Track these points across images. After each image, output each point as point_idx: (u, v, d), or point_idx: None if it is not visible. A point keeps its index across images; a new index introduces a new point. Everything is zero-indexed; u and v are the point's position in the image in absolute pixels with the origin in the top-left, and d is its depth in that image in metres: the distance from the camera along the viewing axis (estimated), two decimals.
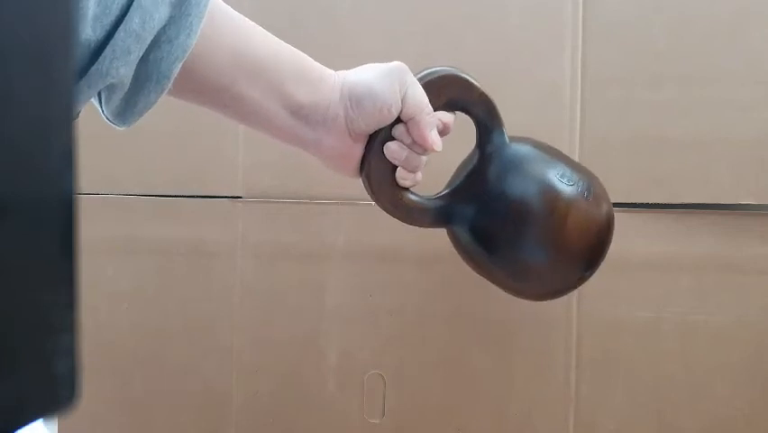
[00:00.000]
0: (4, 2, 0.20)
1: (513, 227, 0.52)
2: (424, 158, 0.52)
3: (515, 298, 0.68)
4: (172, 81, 0.42)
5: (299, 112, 0.48)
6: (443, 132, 0.52)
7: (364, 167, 0.52)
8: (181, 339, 0.75)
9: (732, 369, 0.65)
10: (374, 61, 0.71)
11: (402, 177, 0.52)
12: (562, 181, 0.52)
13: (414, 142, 0.50)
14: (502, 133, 0.54)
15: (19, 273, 0.22)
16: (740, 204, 0.64)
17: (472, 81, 0.53)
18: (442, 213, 0.54)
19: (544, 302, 0.67)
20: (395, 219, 0.55)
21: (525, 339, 0.68)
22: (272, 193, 0.72)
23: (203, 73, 0.44)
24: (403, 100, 0.49)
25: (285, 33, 0.74)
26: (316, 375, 0.72)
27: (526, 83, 0.68)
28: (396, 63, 0.50)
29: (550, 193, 0.52)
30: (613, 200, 0.67)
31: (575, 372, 0.67)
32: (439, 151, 0.50)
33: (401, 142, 0.51)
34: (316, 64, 0.50)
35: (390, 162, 0.52)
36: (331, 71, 0.50)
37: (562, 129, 0.67)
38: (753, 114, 0.64)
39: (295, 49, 0.49)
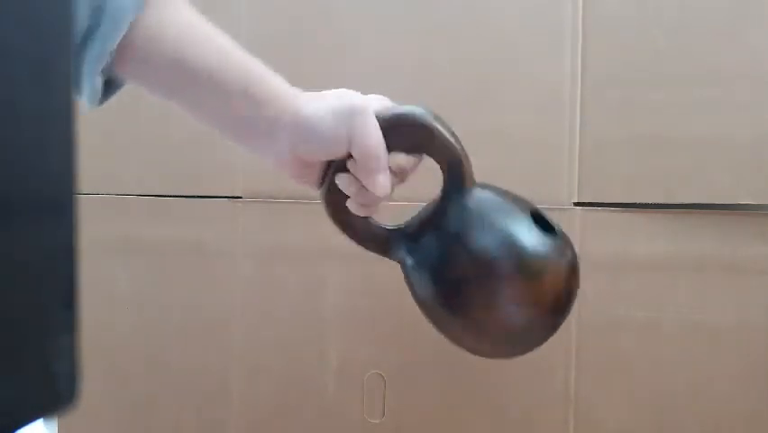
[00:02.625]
0: (4, 5, 0.20)
1: (465, 277, 0.50)
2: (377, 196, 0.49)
3: None
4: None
5: (245, 123, 0.48)
6: (399, 174, 0.50)
7: (322, 187, 0.52)
8: (181, 339, 0.75)
9: (732, 369, 0.65)
10: (374, 62, 0.71)
11: (354, 208, 0.51)
12: (524, 238, 0.49)
13: (363, 184, 0.49)
14: (466, 182, 0.51)
15: (19, 274, 0.22)
16: (739, 204, 0.64)
17: (437, 129, 0.49)
18: (392, 245, 0.53)
19: None
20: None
21: None
22: (272, 193, 0.72)
23: (145, 74, 0.47)
24: (352, 142, 0.47)
25: (285, 34, 0.74)
26: (316, 375, 0.72)
27: (526, 83, 0.68)
28: (350, 103, 0.47)
29: (510, 250, 0.49)
30: (613, 200, 0.67)
31: (575, 372, 0.67)
32: (385, 195, 0.48)
33: (353, 176, 0.49)
34: (273, 85, 0.48)
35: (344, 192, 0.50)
36: (290, 92, 0.49)
37: (561, 129, 0.67)
38: (753, 114, 0.64)
39: (253, 65, 0.48)
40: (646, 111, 0.66)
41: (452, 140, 0.50)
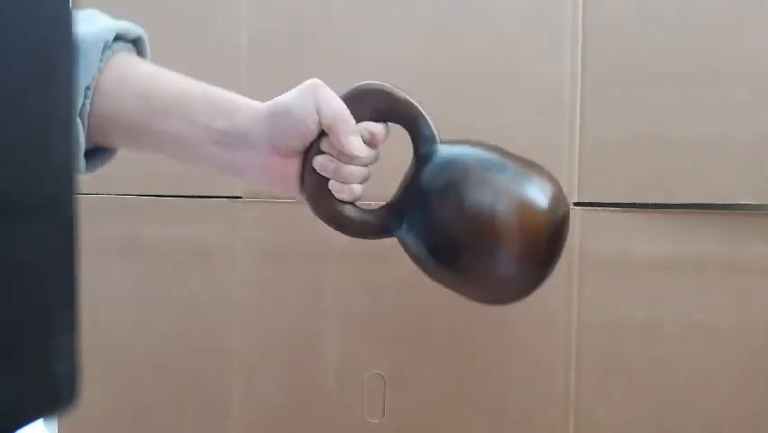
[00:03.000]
0: (6, 4, 0.20)
1: (454, 235, 0.51)
2: (357, 169, 0.53)
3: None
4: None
5: (221, 140, 0.52)
6: (371, 141, 0.54)
7: (301, 184, 0.54)
8: (181, 339, 0.75)
9: (732, 369, 0.65)
10: (374, 62, 0.71)
11: (337, 189, 0.53)
12: (499, 182, 0.50)
13: (340, 152, 0.52)
14: (431, 137, 0.53)
15: (19, 274, 0.22)
16: (740, 204, 0.64)
17: (390, 89, 0.54)
18: (383, 224, 0.54)
19: (544, 302, 0.67)
20: None
21: (525, 339, 0.68)
22: (272, 193, 0.72)
23: (119, 120, 0.50)
24: (319, 112, 0.51)
25: (285, 34, 0.74)
26: (316, 375, 0.72)
27: (526, 83, 0.68)
28: (309, 81, 0.52)
29: (485, 198, 0.50)
30: (613, 200, 0.67)
31: (575, 372, 0.67)
32: (361, 156, 0.52)
33: (329, 154, 0.53)
34: (231, 96, 0.54)
35: (325, 177, 0.53)
36: (249, 101, 0.54)
37: (562, 129, 0.67)
38: (753, 114, 0.64)
39: (208, 86, 0.53)
40: (646, 111, 0.66)
41: (411, 101, 0.54)
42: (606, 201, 0.67)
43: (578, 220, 0.67)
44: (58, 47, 0.22)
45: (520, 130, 0.68)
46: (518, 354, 0.68)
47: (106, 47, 0.50)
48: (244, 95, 0.74)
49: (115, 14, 0.78)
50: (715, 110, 0.64)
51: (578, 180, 0.67)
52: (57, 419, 0.74)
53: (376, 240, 0.56)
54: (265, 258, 0.73)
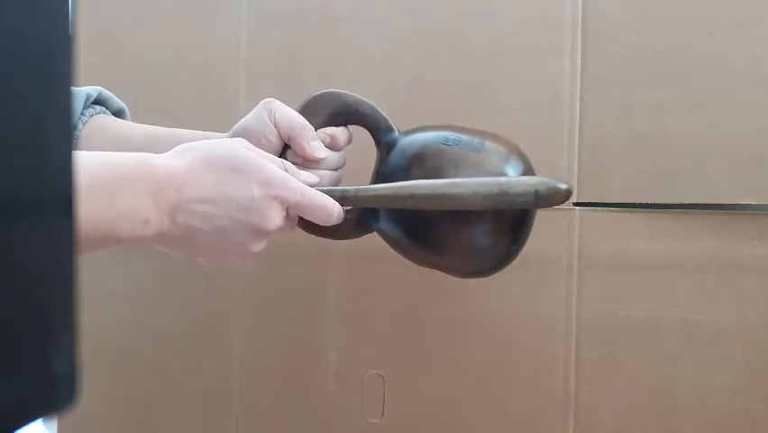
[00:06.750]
0: (5, 2, 0.20)
1: (418, 216, 0.53)
2: (326, 173, 0.56)
3: (514, 298, 0.68)
4: None
5: None
6: (333, 144, 0.57)
7: None
8: (181, 339, 0.75)
9: (732, 369, 0.65)
10: (374, 62, 0.72)
11: None
12: (453, 152, 0.53)
13: (304, 159, 0.55)
14: (388, 127, 0.57)
15: (19, 273, 0.22)
16: (740, 204, 0.64)
17: (341, 93, 0.57)
18: (361, 221, 0.56)
19: (544, 302, 0.67)
20: None
21: (525, 339, 0.68)
22: None
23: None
24: (276, 124, 0.55)
25: (285, 35, 0.74)
26: (316, 375, 0.72)
27: (526, 83, 0.68)
28: (261, 102, 0.56)
29: (444, 168, 0.53)
30: (613, 200, 0.67)
31: (575, 372, 0.67)
32: (322, 157, 0.55)
33: (295, 163, 0.55)
34: (197, 132, 0.58)
35: None
36: (214, 133, 0.58)
37: (561, 129, 0.67)
38: (752, 114, 0.64)
39: (177, 130, 0.59)
40: (646, 111, 0.66)
41: (363, 99, 0.57)
42: (605, 201, 0.67)
43: (577, 220, 0.67)
44: (56, 44, 0.22)
45: (520, 130, 0.67)
46: (518, 354, 0.68)
47: (88, 105, 0.57)
48: (245, 95, 0.74)
49: (116, 14, 0.78)
50: (715, 110, 0.64)
51: (577, 180, 0.67)
52: (57, 419, 0.74)
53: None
54: (265, 258, 0.73)
